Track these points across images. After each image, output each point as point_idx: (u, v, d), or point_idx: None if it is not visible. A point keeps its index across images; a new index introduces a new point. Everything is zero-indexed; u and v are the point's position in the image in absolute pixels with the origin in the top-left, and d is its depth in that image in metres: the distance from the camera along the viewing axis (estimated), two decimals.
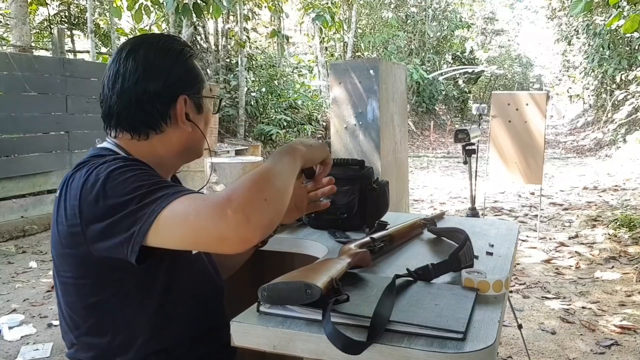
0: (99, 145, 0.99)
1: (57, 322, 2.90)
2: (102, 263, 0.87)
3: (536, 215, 5.11)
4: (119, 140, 0.98)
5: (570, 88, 16.91)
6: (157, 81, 0.94)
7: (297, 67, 13.10)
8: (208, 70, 9.80)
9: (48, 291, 3.40)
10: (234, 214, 0.73)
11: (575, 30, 14.89)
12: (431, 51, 19.21)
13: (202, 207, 0.76)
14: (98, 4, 10.05)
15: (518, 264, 3.86)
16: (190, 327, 0.99)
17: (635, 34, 9.67)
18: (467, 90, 22.64)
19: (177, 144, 0.99)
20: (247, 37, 10.36)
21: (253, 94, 9.88)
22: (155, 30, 8.87)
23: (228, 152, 7.33)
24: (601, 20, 11.73)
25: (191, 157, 1.05)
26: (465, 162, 2.42)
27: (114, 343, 0.93)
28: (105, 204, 0.81)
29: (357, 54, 15.06)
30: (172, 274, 0.93)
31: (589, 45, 13.38)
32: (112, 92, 0.95)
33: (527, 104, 4.35)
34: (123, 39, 9.99)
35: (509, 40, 29.99)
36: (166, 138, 0.97)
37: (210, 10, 4.64)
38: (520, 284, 3.47)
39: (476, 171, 2.94)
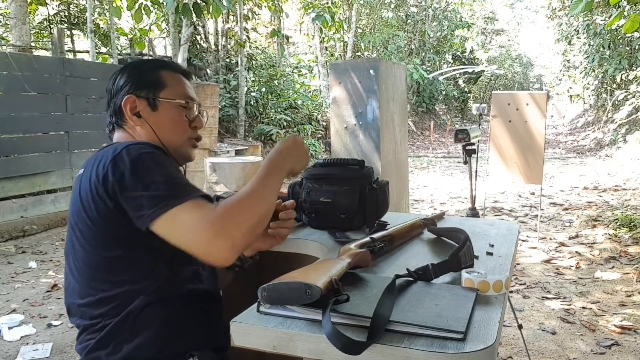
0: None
1: (56, 322, 2.90)
2: (121, 220, 1.00)
3: (536, 215, 5.11)
4: (115, 135, 1.19)
5: (570, 88, 16.90)
6: (117, 86, 1.18)
7: (297, 67, 13.09)
8: (208, 70, 9.80)
9: (48, 291, 3.40)
10: (224, 242, 0.91)
11: (575, 30, 14.89)
12: (431, 51, 19.20)
13: (199, 226, 0.92)
14: (98, 3, 10.04)
15: (518, 264, 3.86)
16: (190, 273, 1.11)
17: (636, 34, 9.67)
18: (467, 90, 22.65)
19: (147, 135, 1.16)
20: (247, 37, 10.36)
21: (253, 94, 9.87)
22: (155, 30, 8.87)
23: (228, 152, 7.32)
24: (601, 20, 11.73)
25: (174, 152, 1.18)
26: (465, 162, 2.42)
27: (130, 292, 1.03)
28: (133, 178, 0.98)
29: (357, 53, 15.06)
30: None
31: (589, 45, 13.38)
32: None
33: (527, 104, 4.35)
34: (123, 39, 10.01)
35: (509, 40, 29.98)
36: (136, 129, 1.17)
37: (210, 10, 4.64)
38: (521, 284, 3.47)
39: (476, 171, 2.94)
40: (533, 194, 6.74)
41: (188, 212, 0.94)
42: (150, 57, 1.43)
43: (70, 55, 9.10)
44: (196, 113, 1.24)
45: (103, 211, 1.01)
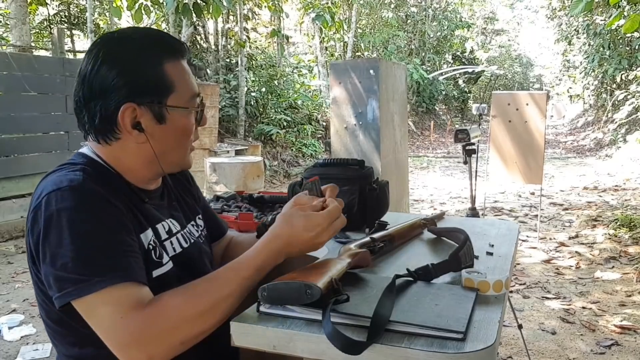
0: (79, 151, 0.98)
1: None
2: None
3: (536, 215, 5.11)
4: (91, 143, 0.96)
5: (570, 88, 16.92)
6: (102, 82, 0.88)
7: (297, 67, 13.09)
8: (208, 70, 9.80)
9: None
10: (138, 354, 0.76)
11: (575, 30, 14.90)
12: (431, 51, 19.21)
13: (116, 326, 0.77)
14: (98, 3, 10.04)
15: (518, 264, 3.86)
16: None
17: (636, 34, 9.67)
18: (467, 90, 22.65)
19: (137, 154, 0.93)
20: (247, 37, 10.36)
21: (253, 94, 9.87)
22: None
23: (228, 152, 7.32)
24: (601, 20, 11.73)
25: (170, 168, 0.99)
26: (465, 162, 2.43)
27: (83, 356, 0.90)
28: (44, 245, 0.81)
29: (357, 53, 15.06)
30: None
31: (589, 45, 13.38)
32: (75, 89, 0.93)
33: (527, 104, 4.35)
34: None
35: (509, 40, 29.99)
36: (125, 146, 0.92)
37: (210, 10, 4.64)
38: (521, 284, 3.47)
39: (476, 171, 2.94)
40: (533, 194, 6.74)
41: (102, 307, 0.77)
42: (140, 31, 0.89)
43: (70, 55, 9.09)
44: (200, 109, 0.98)
45: (33, 267, 0.87)
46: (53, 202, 0.81)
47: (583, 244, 4.43)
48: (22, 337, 2.71)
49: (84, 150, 0.97)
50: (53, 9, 10.49)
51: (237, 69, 9.57)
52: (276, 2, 9.05)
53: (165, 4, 4.61)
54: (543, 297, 3.25)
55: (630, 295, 3.24)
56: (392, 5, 17.08)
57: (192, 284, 0.83)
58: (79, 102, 0.91)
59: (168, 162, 0.96)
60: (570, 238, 4.63)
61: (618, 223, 4.73)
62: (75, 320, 0.85)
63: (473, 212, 2.49)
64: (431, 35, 18.92)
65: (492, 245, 1.21)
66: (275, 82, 10.50)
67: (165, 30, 8.84)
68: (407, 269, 0.95)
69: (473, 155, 2.45)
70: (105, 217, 0.84)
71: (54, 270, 0.79)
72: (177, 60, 0.94)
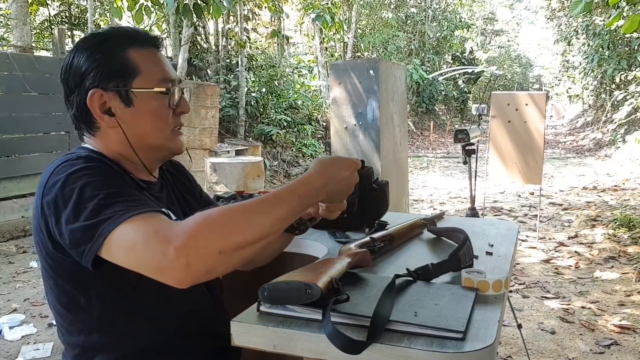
0: (80, 145, 1.02)
1: None
2: (65, 260, 0.87)
3: (536, 215, 5.11)
4: (86, 141, 1.00)
5: (569, 88, 16.93)
6: (74, 75, 0.94)
7: (297, 67, 13.08)
8: (208, 70, 9.80)
9: None
10: (177, 258, 0.73)
11: (574, 30, 14.90)
12: (431, 51, 19.19)
13: (151, 239, 0.75)
14: (98, 4, 10.04)
15: (517, 263, 3.87)
16: (174, 325, 0.97)
17: (635, 34, 9.67)
18: (466, 91, 22.63)
19: (118, 140, 0.96)
20: (247, 37, 10.36)
21: (253, 94, 9.86)
22: (156, 30, 8.86)
23: (228, 152, 7.32)
24: (601, 21, 11.73)
25: (155, 152, 1.01)
26: (465, 162, 2.43)
27: (88, 344, 0.93)
28: (62, 210, 0.82)
29: (357, 54, 15.05)
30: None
31: (588, 45, 13.39)
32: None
33: (526, 104, 4.35)
34: None
35: (508, 40, 30.00)
36: (106, 133, 0.96)
37: (211, 11, 4.64)
38: (520, 284, 3.47)
39: (476, 171, 2.95)
40: (532, 194, 6.74)
41: (134, 229, 0.77)
42: (111, 27, 1.04)
43: None
44: (179, 95, 1.00)
45: (47, 249, 0.89)
46: (64, 170, 0.85)
47: (582, 243, 4.43)
48: (22, 336, 2.72)
49: (84, 144, 1.01)
50: (54, 9, 10.49)
51: (237, 70, 9.57)
52: (276, 3, 9.05)
53: (165, 5, 4.62)
54: (542, 296, 3.25)
55: (629, 295, 3.24)
56: (392, 6, 17.08)
57: (230, 204, 0.83)
58: (65, 100, 0.98)
59: (149, 146, 0.98)
60: (569, 238, 4.63)
61: (617, 223, 4.73)
62: (87, 297, 0.90)
63: (473, 212, 2.49)
64: (431, 36, 18.91)
65: (492, 245, 1.22)
66: (276, 82, 10.49)
67: (165, 31, 8.85)
68: (407, 269, 0.95)
69: (472, 156, 2.45)
70: (117, 176, 0.91)
71: (80, 223, 0.80)
72: (144, 47, 0.97)
